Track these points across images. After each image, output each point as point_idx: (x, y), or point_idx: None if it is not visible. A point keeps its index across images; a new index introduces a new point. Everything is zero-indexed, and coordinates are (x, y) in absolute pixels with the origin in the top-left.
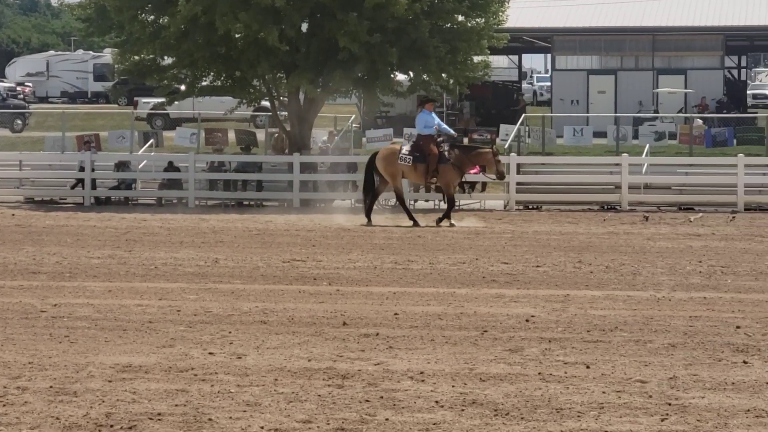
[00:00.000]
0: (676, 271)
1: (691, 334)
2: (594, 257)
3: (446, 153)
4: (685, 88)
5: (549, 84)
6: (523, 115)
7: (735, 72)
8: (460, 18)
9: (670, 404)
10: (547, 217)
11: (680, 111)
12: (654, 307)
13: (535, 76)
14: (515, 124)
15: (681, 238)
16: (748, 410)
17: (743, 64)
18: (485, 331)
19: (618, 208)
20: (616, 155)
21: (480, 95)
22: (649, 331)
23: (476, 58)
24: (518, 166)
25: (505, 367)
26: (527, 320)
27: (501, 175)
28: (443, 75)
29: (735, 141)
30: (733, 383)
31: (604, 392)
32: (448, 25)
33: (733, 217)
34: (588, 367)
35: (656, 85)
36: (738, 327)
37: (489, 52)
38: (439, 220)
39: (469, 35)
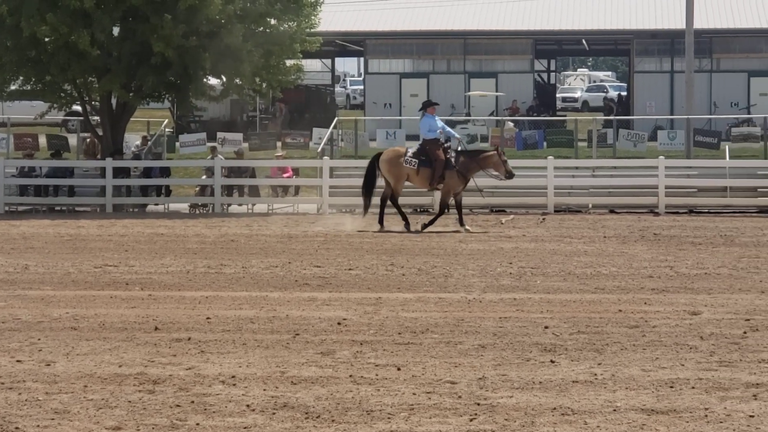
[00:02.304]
0: (487, 273)
1: (501, 334)
2: (406, 260)
3: (452, 159)
4: (497, 91)
5: (362, 87)
6: (336, 118)
7: (545, 75)
8: (273, 22)
9: (479, 404)
10: (361, 220)
11: (492, 114)
12: (465, 309)
13: (348, 79)
14: (328, 127)
15: (492, 240)
16: (555, 408)
17: (552, 67)
18: (297, 334)
19: (431, 210)
20: None
21: (293, 99)
22: (460, 333)
23: (289, 62)
24: (331, 169)
25: (316, 370)
26: (339, 323)
27: (510, 174)
28: (256, 79)
29: (545, 143)
30: (540, 382)
31: (414, 393)
32: (261, 29)
33: (543, 219)
34: (399, 369)
35: (468, 88)
36: (546, 327)
37: (302, 56)
38: (424, 225)
39: (281, 39)
